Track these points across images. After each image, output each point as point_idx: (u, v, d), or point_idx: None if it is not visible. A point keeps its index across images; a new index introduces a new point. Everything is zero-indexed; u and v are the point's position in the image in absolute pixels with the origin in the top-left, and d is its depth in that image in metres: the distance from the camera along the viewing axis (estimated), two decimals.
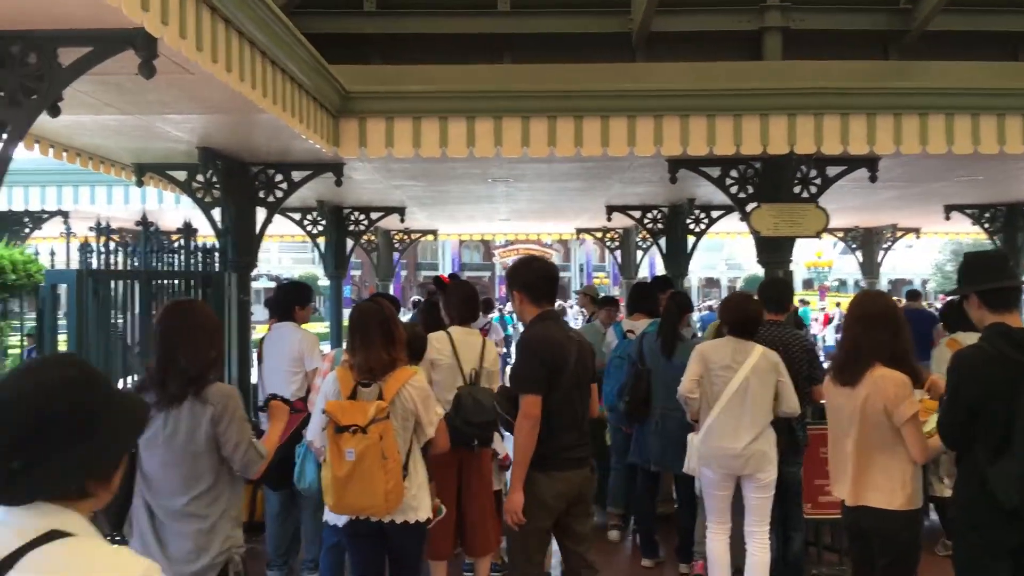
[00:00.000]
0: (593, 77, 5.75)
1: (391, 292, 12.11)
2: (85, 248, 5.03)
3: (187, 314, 3.13)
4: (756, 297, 5.23)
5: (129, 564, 1.41)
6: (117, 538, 3.13)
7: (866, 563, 3.59)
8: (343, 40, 6.15)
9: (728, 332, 4.68)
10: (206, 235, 6.69)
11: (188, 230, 5.69)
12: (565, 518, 3.86)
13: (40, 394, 1.43)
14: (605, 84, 5.59)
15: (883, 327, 3.51)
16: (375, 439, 3.43)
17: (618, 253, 13.48)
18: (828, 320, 26.25)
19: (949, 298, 7.20)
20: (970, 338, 3.88)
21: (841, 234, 13.59)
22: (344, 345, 6.01)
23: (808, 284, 38.95)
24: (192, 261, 5.71)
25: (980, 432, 3.08)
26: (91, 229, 5.08)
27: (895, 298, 5.54)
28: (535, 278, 3.94)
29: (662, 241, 10.20)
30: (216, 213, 6.36)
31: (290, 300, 5.59)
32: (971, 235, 15.16)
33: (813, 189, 6.43)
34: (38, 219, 10.11)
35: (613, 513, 6.45)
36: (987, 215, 10.44)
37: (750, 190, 6.46)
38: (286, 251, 43.50)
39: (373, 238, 12.60)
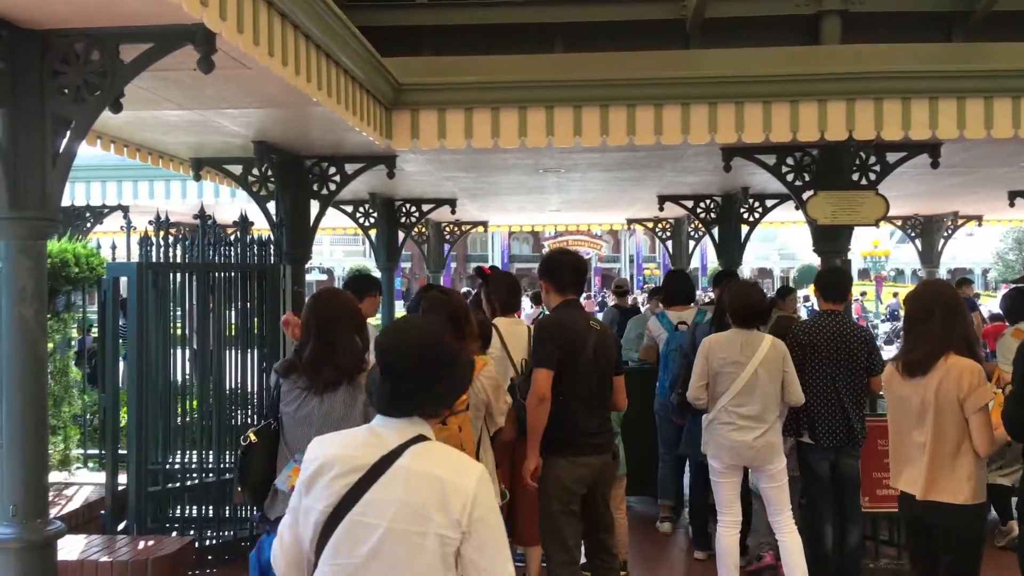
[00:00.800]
0: (646, 65, 5.68)
1: (441, 284, 12.18)
2: (145, 241, 5.15)
3: (333, 305, 3.30)
4: (813, 286, 5.14)
5: (473, 463, 1.96)
6: (258, 514, 3.28)
7: (927, 558, 3.50)
8: (395, 32, 6.18)
9: (733, 323, 4.59)
10: (261, 228, 6.78)
11: (244, 223, 5.77)
12: (587, 502, 3.95)
13: (425, 336, 2.00)
14: (658, 72, 5.52)
15: (960, 314, 3.42)
16: (455, 431, 3.45)
17: (669, 243, 13.34)
18: (861, 310, 25.76)
19: (1012, 286, 7.02)
20: None
21: (900, 222, 13.22)
22: None
23: (864, 274, 38.16)
24: (248, 253, 5.80)
25: None
26: (150, 223, 5.20)
27: None
28: (561, 269, 4.10)
29: (715, 231, 10.04)
30: (271, 206, 6.45)
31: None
32: None
33: (872, 176, 6.27)
34: (99, 214, 10.35)
35: (664, 505, 6.41)
36: None
37: (807, 178, 6.33)
38: (338, 244, 44.08)
39: (424, 230, 12.66)
